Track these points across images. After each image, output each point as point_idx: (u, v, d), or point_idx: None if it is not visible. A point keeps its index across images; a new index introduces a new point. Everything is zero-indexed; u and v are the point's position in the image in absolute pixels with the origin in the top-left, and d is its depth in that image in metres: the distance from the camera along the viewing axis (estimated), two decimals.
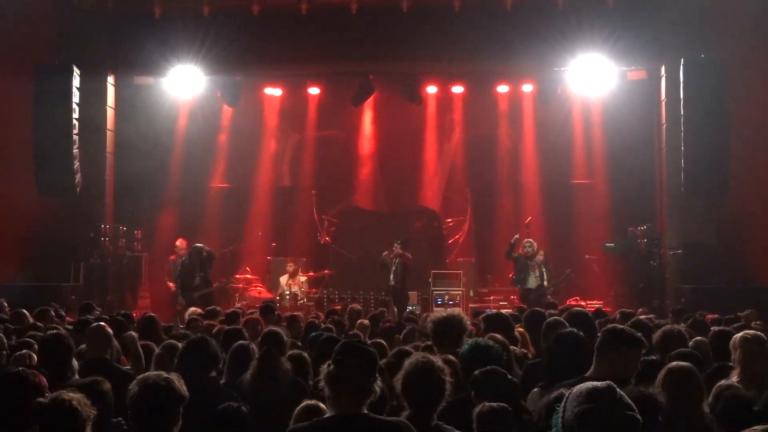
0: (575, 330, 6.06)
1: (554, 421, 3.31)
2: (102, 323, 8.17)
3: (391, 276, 19.02)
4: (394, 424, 4.16)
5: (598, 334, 5.68)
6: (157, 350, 7.68)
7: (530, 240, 19.03)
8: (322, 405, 5.22)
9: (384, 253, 19.16)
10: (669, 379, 5.54)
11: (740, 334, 6.78)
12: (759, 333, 6.77)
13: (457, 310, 7.27)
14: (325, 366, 4.23)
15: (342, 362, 4.16)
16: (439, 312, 7.29)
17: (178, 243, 19.82)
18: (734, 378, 6.39)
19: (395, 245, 19.05)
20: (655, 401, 4.40)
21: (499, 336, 6.99)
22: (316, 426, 4.19)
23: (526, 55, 19.47)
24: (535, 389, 5.87)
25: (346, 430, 4.07)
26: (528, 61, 19.95)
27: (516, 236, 19.05)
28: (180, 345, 7.47)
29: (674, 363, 5.81)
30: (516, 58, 19.79)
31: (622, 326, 5.79)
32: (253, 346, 7.50)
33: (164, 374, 4.48)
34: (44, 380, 5.47)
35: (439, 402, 4.77)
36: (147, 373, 4.52)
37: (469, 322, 7.07)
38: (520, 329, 8.64)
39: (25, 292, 16.59)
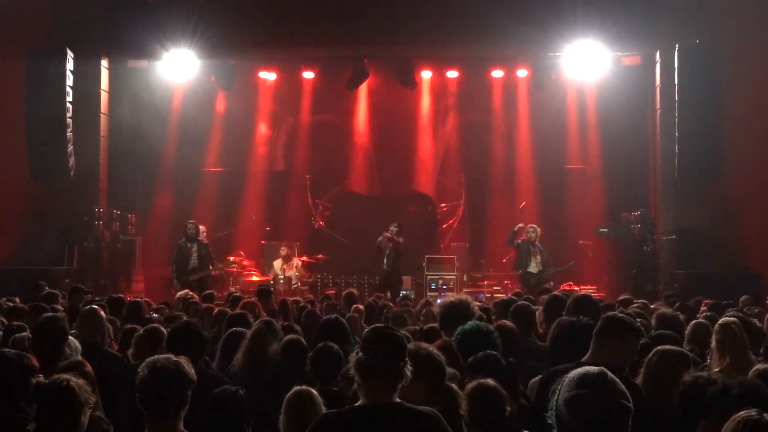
0: (581, 317, 6.04)
1: (551, 404, 3.30)
2: (95, 306, 8.19)
3: (385, 260, 19.02)
4: (425, 413, 4.10)
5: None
6: (139, 332, 7.68)
7: (534, 225, 18.93)
8: (313, 391, 5.24)
9: (380, 237, 19.13)
10: (658, 361, 5.56)
11: (721, 320, 6.76)
12: (735, 319, 6.74)
13: (464, 296, 7.27)
14: (354, 354, 4.18)
15: (371, 349, 4.11)
16: (447, 297, 7.31)
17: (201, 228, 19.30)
18: (713, 365, 6.37)
19: (391, 226, 19.00)
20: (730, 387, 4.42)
21: (508, 323, 7.00)
22: (348, 413, 4.13)
23: (521, 40, 19.44)
24: (536, 378, 5.88)
25: (377, 419, 4.03)
26: (523, 46, 19.94)
27: (519, 225, 18.94)
28: (162, 329, 7.58)
29: (666, 347, 5.82)
30: (510, 43, 19.76)
31: (621, 314, 5.78)
32: (248, 332, 7.54)
33: (173, 357, 4.48)
34: (35, 362, 5.48)
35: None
36: (156, 356, 4.50)
37: (476, 307, 7.09)
38: None
39: (19, 276, 16.58)
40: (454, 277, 20.19)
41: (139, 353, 7.13)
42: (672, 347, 5.83)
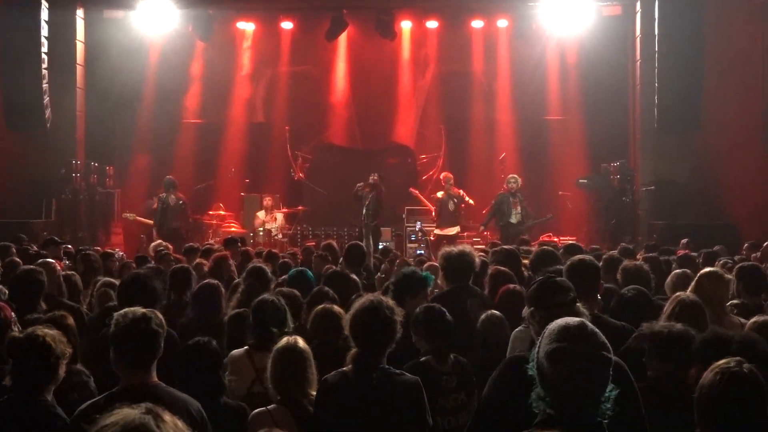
0: (561, 266, 6.03)
1: (532, 356, 3.29)
2: (49, 259, 8.29)
3: (364, 211, 18.90)
4: None
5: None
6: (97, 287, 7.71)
7: (515, 176, 18.83)
8: (301, 340, 5.23)
9: (359, 184, 18.93)
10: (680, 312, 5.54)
11: (702, 271, 6.77)
12: (717, 270, 6.74)
13: (467, 247, 7.26)
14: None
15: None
16: (450, 247, 7.28)
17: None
18: None
19: (372, 176, 18.81)
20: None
21: (502, 268, 7.00)
22: None
23: None
24: (520, 327, 5.86)
25: None
26: None
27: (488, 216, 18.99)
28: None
29: (686, 296, 5.82)
30: None
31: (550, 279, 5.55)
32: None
33: (141, 309, 4.49)
34: (10, 314, 5.46)
35: (388, 344, 4.68)
36: (127, 308, 4.52)
37: (478, 258, 7.11)
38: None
39: None
40: (433, 228, 20.20)
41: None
42: (691, 296, 5.81)
